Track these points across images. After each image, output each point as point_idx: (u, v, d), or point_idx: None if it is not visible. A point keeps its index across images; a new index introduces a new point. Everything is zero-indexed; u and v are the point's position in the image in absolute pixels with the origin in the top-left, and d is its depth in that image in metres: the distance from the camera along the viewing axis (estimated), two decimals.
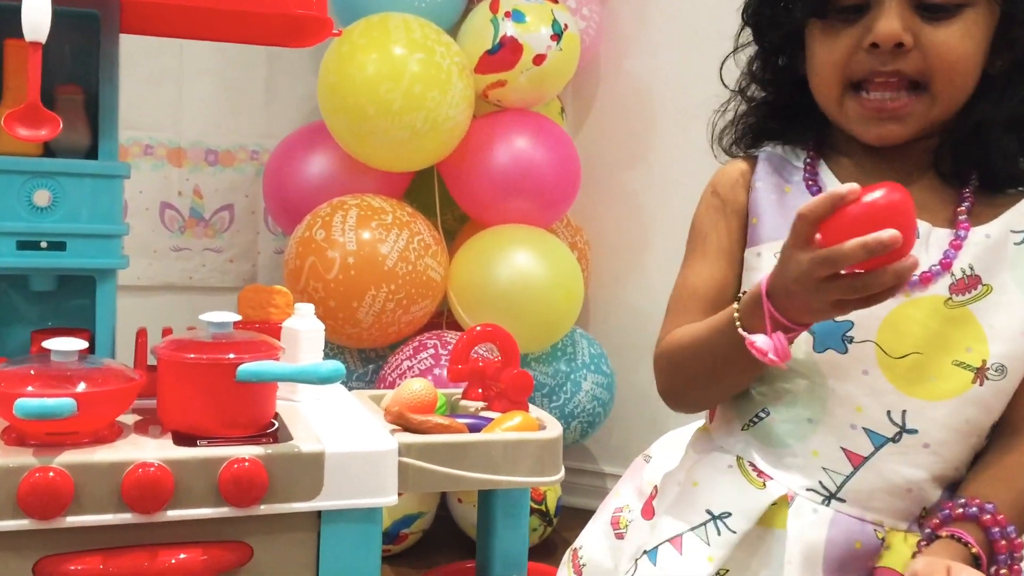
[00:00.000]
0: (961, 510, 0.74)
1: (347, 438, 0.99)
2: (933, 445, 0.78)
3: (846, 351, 0.79)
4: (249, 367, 0.94)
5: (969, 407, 0.78)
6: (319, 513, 0.95)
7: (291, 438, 0.97)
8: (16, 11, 0.94)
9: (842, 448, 0.79)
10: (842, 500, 0.79)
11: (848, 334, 0.79)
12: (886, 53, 0.79)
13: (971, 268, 0.80)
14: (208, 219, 2.41)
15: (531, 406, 1.17)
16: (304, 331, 1.12)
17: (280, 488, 0.93)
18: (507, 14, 2.03)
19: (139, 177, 2.30)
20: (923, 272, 0.80)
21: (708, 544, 0.80)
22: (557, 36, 2.04)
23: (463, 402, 1.18)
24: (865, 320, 0.78)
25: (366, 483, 0.97)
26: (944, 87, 0.80)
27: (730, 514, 0.81)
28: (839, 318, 0.78)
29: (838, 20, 0.83)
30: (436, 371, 1.93)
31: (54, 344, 0.93)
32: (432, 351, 1.97)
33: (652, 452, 1.00)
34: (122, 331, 1.15)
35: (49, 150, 1.07)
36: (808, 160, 0.89)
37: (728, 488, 0.82)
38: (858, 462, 0.79)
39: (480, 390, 1.18)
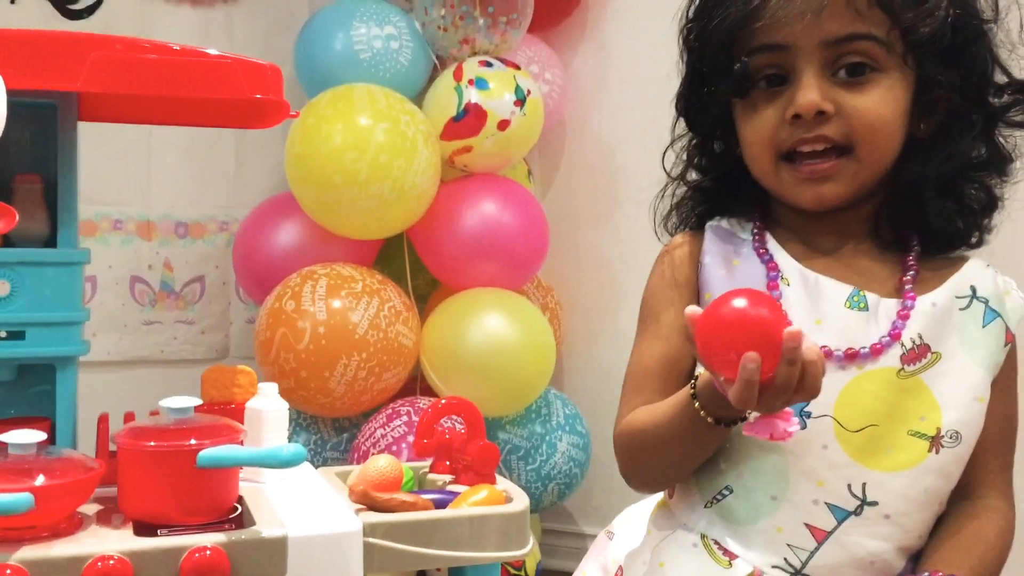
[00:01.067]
0: None
1: (311, 520, 0.98)
2: (894, 516, 0.78)
3: (805, 426, 0.79)
4: (209, 453, 0.94)
5: (927, 476, 0.79)
6: None
7: (254, 523, 0.96)
8: None
9: (805, 524, 0.80)
10: (808, 575, 0.79)
11: (806, 409, 0.80)
12: (809, 122, 0.82)
13: (920, 337, 0.81)
14: (179, 291, 2.40)
15: (499, 477, 1.16)
16: (267, 411, 1.11)
17: (243, 575, 0.92)
18: (470, 82, 2.06)
19: (108, 252, 2.30)
20: (873, 344, 0.81)
21: None
22: (520, 101, 2.08)
23: (431, 476, 1.18)
24: (822, 395, 0.77)
25: (331, 566, 0.96)
26: (868, 149, 0.82)
27: None
28: None
29: (760, 97, 0.86)
30: (409, 438, 1.92)
31: (11, 437, 0.92)
32: (405, 419, 1.97)
33: (615, 528, 0.99)
34: (92, 410, 1.14)
35: (8, 239, 1.07)
36: (755, 231, 0.91)
37: (694, 568, 0.83)
38: (821, 537, 0.79)
39: (448, 463, 1.18)
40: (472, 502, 1.06)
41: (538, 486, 2.10)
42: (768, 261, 0.87)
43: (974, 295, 0.82)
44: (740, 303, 0.70)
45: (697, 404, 0.77)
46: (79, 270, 1.10)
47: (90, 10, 2.29)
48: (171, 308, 2.39)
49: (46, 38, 1.00)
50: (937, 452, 0.79)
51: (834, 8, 0.80)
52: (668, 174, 0.97)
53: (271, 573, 0.93)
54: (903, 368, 0.80)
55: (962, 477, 0.82)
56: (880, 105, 0.81)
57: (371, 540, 0.99)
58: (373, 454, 1.89)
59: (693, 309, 0.73)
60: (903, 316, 0.82)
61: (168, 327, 2.39)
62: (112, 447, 1.04)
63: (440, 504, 1.07)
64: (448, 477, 1.17)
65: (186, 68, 1.04)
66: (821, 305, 0.83)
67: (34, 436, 0.93)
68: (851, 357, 0.81)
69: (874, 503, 0.78)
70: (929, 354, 0.81)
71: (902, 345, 0.81)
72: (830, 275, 0.85)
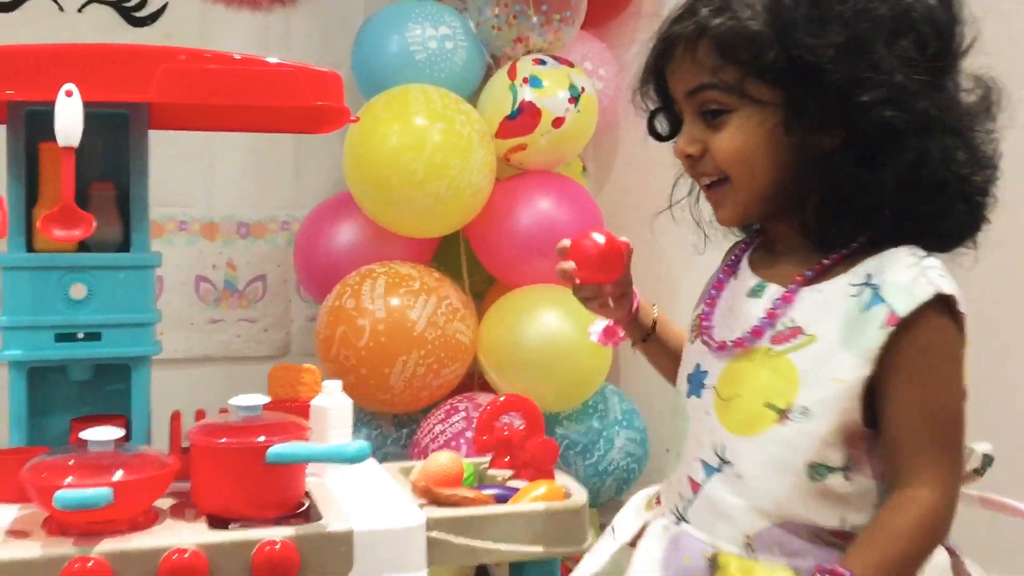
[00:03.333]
0: None
1: (375, 515, 1.01)
2: (746, 477, 0.86)
3: (700, 396, 0.92)
4: (278, 449, 0.97)
5: (772, 445, 0.85)
6: None
7: (321, 517, 0.99)
8: (49, 115, 1.00)
9: (688, 477, 0.91)
10: (688, 522, 0.90)
11: (704, 381, 0.92)
12: (688, 164, 0.94)
13: (792, 321, 0.87)
14: (242, 290, 2.46)
15: (557, 473, 1.18)
16: (332, 408, 1.14)
17: (312, 568, 0.95)
18: (525, 80, 2.08)
19: (174, 252, 2.36)
20: (737, 337, 0.90)
21: (599, 549, 1.00)
22: (575, 99, 2.09)
23: (490, 471, 1.20)
24: (714, 369, 0.91)
25: (395, 559, 0.99)
26: (737, 176, 0.91)
27: (618, 528, 1.00)
28: (701, 368, 0.93)
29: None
30: (468, 434, 1.94)
31: (91, 435, 0.97)
32: (464, 414, 1.99)
33: None
34: (160, 405, 1.19)
35: (84, 244, 1.11)
36: (743, 244, 1.01)
37: (630, 512, 1.01)
38: (696, 489, 0.90)
39: (507, 459, 1.20)
40: (532, 497, 1.09)
41: (596, 481, 2.11)
42: (727, 265, 0.99)
43: (867, 282, 0.84)
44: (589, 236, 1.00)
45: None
46: (151, 273, 1.15)
47: (153, 17, 2.35)
48: (234, 307, 2.45)
49: (118, 52, 1.04)
50: (783, 424, 0.84)
51: (683, 65, 0.90)
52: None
53: (338, 566, 0.96)
54: (771, 348, 0.87)
55: (888, 468, 0.83)
56: (733, 139, 0.89)
57: (434, 534, 1.02)
58: (433, 450, 1.92)
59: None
60: (770, 315, 0.88)
61: (232, 325, 2.44)
62: (185, 443, 1.08)
63: (501, 499, 1.09)
64: (508, 473, 1.19)
65: (250, 77, 1.07)
66: (737, 294, 0.94)
67: (112, 433, 0.98)
68: (736, 344, 0.90)
69: (730, 463, 0.87)
70: (801, 336, 0.86)
71: (774, 327, 0.88)
72: (757, 271, 0.94)
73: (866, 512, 0.84)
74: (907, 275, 0.82)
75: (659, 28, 0.94)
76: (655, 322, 1.10)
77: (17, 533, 0.94)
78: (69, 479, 0.92)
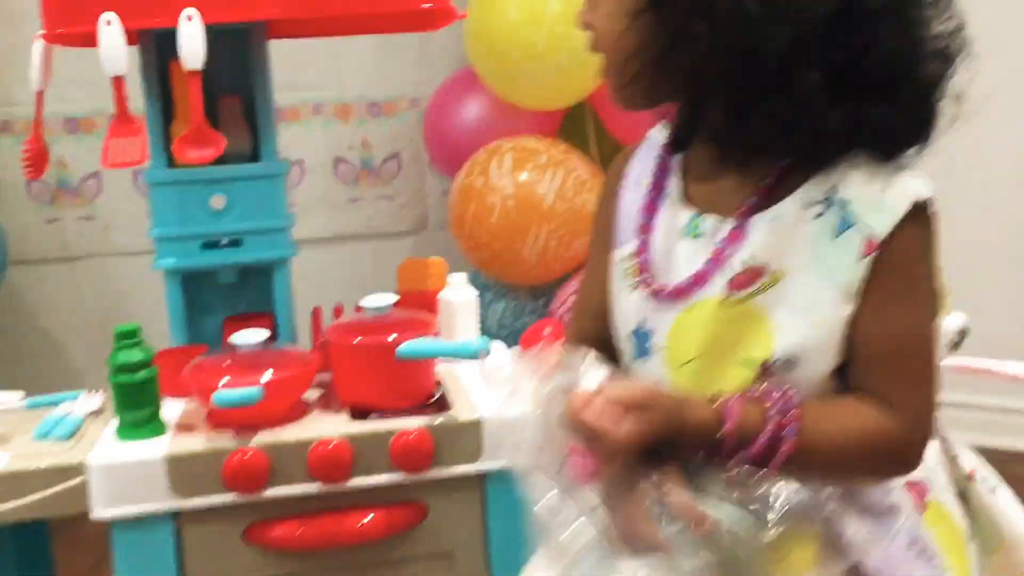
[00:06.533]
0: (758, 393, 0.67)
1: (503, 404, 1.07)
2: None
3: (648, 357, 0.75)
4: (406, 347, 1.04)
5: None
6: (483, 475, 1.05)
7: (451, 407, 1.06)
8: (176, 36, 1.04)
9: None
10: None
11: (649, 342, 0.75)
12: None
13: (752, 259, 0.70)
14: (378, 169, 2.53)
15: None
16: (458, 302, 1.20)
17: (445, 454, 1.03)
18: None
19: (312, 135, 2.44)
20: (695, 272, 0.72)
21: None
22: None
23: None
24: (659, 326, 0.74)
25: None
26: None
27: None
28: (645, 324, 0.75)
29: None
30: None
31: (239, 339, 1.06)
32: None
33: None
34: (310, 286, 1.26)
35: (220, 155, 1.18)
36: (661, 152, 0.79)
37: None
38: None
39: None
40: None
41: None
42: (654, 184, 0.77)
43: (829, 201, 0.68)
44: None
45: None
46: (282, 181, 1.21)
47: None
48: (372, 185, 2.53)
49: None
50: (765, 380, 0.69)
51: None
52: None
53: (469, 451, 1.04)
54: (730, 295, 0.70)
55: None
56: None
57: None
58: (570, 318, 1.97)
59: None
60: (721, 245, 0.71)
61: (371, 203, 2.54)
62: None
63: None
64: None
65: None
66: (669, 232, 0.75)
67: (258, 336, 1.06)
68: (678, 292, 0.72)
69: None
70: (765, 275, 0.69)
71: (731, 268, 0.70)
72: (690, 200, 0.75)
73: None
74: (876, 187, 0.68)
75: None
76: None
77: (185, 427, 1.05)
78: (224, 379, 1.02)
